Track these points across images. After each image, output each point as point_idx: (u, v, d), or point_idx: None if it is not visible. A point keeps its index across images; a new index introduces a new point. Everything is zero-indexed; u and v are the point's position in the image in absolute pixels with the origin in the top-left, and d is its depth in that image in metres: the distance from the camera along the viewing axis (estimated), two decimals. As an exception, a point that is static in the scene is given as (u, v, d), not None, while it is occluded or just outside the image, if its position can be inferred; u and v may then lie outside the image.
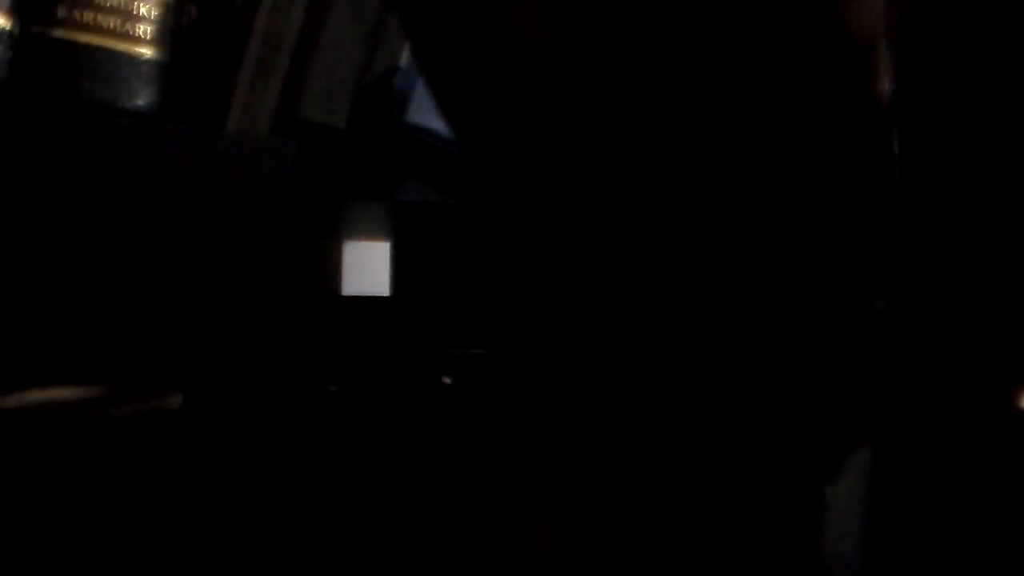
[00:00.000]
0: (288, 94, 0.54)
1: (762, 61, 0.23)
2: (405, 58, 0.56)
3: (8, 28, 0.48)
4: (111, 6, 0.50)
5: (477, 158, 0.25)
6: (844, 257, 0.24)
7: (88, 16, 0.49)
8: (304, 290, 1.01)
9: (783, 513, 0.23)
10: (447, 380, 0.76)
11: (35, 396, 0.69)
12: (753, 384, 0.23)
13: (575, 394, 0.24)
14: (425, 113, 0.55)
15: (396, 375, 0.77)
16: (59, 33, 0.49)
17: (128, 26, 0.50)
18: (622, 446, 0.23)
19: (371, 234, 1.00)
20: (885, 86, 0.25)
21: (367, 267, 1.07)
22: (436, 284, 1.05)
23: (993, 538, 0.24)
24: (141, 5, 0.51)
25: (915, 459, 0.26)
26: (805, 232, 0.23)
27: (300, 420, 0.70)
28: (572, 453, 0.24)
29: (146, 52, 0.51)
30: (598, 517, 0.24)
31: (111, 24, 0.50)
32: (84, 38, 0.49)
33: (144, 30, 0.51)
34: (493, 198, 0.26)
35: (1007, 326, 0.25)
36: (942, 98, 0.27)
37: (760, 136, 0.23)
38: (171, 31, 0.52)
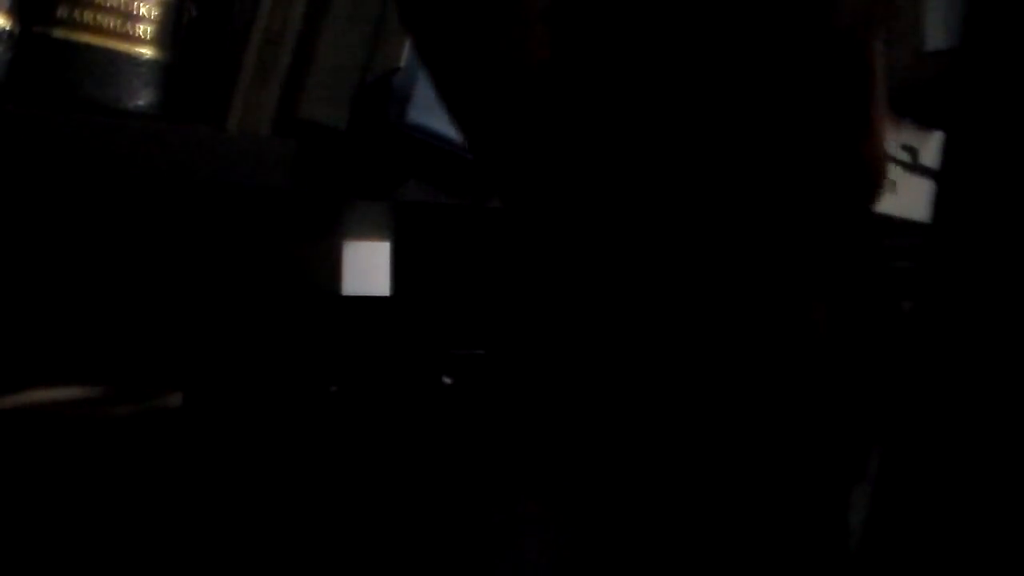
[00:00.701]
0: (288, 94, 0.54)
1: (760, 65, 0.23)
2: (405, 58, 0.56)
3: (8, 28, 0.48)
4: (111, 6, 0.50)
5: (481, 161, 0.25)
6: (861, 260, 0.24)
7: (88, 16, 0.49)
8: (304, 290, 1.01)
9: (791, 517, 0.23)
10: (447, 380, 0.76)
11: (35, 396, 0.69)
12: (761, 385, 0.23)
13: (575, 394, 0.24)
14: (425, 113, 0.55)
15: (396, 375, 0.77)
16: (59, 33, 0.49)
17: (128, 26, 0.50)
18: (623, 448, 0.23)
19: (371, 234, 1.00)
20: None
21: (367, 267, 1.07)
22: (436, 284, 1.05)
23: (995, 539, 0.24)
24: (141, 5, 0.51)
25: (918, 460, 0.26)
26: (818, 231, 0.23)
27: (300, 420, 0.70)
28: (572, 453, 0.24)
29: (146, 52, 0.51)
30: (598, 519, 0.24)
31: (111, 24, 0.50)
32: (84, 38, 0.49)
33: (144, 30, 0.51)
34: (505, 201, 0.26)
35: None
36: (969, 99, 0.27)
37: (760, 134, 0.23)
38: (171, 31, 0.52)
